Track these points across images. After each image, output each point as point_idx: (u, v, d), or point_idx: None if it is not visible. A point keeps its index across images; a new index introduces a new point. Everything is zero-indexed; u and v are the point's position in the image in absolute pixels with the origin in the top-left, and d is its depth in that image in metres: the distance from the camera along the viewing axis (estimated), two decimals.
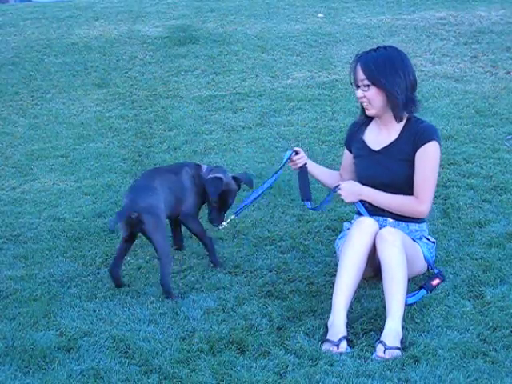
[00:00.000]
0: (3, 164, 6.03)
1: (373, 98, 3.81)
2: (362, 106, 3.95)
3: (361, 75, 3.80)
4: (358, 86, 3.83)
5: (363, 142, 3.99)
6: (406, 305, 3.60)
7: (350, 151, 4.11)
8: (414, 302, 3.69)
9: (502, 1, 10.57)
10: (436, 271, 3.88)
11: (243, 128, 6.42)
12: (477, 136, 5.86)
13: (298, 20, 10.03)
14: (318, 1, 11.17)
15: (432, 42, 8.70)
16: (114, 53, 8.89)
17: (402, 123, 3.91)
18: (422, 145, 3.81)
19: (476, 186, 4.99)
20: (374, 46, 3.92)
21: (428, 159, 3.81)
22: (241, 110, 6.86)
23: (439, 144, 3.85)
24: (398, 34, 9.07)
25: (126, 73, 8.18)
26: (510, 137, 5.81)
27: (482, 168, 5.27)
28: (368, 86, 3.79)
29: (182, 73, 8.04)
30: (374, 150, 3.94)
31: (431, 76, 7.47)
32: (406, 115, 3.88)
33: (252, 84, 7.54)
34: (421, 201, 3.82)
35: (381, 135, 3.95)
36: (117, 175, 5.64)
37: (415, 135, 3.84)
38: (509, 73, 7.51)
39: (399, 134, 3.90)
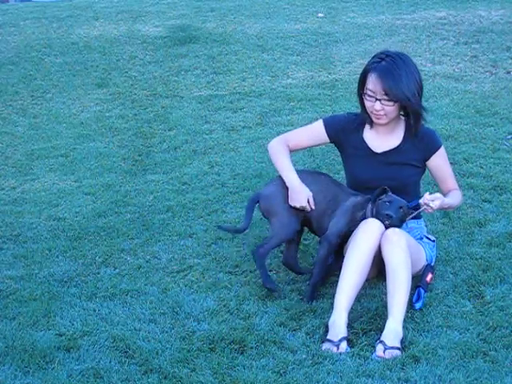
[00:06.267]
0: (3, 164, 6.02)
1: (392, 111, 3.80)
2: (367, 113, 3.89)
3: (382, 90, 3.72)
4: (376, 99, 3.75)
5: (363, 141, 3.97)
6: (415, 309, 3.63)
7: (335, 142, 4.02)
8: (423, 304, 3.71)
9: (502, 1, 10.56)
10: (425, 264, 3.89)
11: (243, 128, 6.41)
12: (477, 136, 5.86)
13: (297, 20, 10.03)
14: (318, 0, 11.17)
15: (432, 42, 8.69)
16: (114, 53, 8.88)
17: (403, 127, 3.92)
18: (434, 153, 3.93)
19: (476, 186, 4.99)
20: (381, 52, 3.82)
21: (444, 162, 3.99)
22: (241, 109, 6.85)
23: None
24: (398, 34, 9.06)
25: (126, 72, 8.18)
26: (509, 136, 5.81)
27: (481, 168, 5.27)
28: (392, 101, 3.74)
29: (182, 72, 8.04)
30: (376, 153, 3.93)
31: (431, 76, 7.46)
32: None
33: (252, 84, 7.53)
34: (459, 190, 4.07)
35: (383, 139, 3.93)
36: (117, 175, 5.64)
37: (423, 144, 3.90)
38: (509, 72, 7.51)
39: (402, 140, 3.92)
